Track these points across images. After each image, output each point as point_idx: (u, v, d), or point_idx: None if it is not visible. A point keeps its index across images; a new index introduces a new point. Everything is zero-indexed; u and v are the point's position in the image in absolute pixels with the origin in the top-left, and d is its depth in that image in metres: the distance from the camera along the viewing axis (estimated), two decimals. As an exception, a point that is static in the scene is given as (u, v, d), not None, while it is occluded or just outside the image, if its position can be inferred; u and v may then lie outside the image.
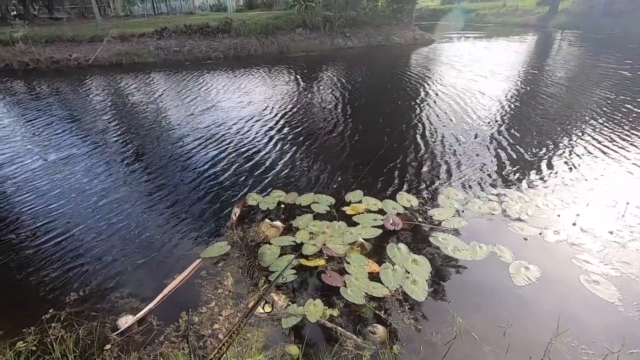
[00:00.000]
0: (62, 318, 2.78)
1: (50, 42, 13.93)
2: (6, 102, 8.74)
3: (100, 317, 2.81)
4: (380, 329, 2.65)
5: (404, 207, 4.26)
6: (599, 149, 5.87)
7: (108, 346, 2.56)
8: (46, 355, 2.44)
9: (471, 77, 10.95)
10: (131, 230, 3.92)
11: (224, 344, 1.38)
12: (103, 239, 3.76)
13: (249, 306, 2.64)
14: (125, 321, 2.71)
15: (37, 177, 5.08)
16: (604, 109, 7.87)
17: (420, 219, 4.05)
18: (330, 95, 9.27)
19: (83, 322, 2.75)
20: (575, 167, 5.26)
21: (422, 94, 9.32)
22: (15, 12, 22.28)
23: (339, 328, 2.68)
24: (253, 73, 11.78)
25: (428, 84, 10.29)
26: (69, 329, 2.69)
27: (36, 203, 4.44)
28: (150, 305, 2.86)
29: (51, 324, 2.72)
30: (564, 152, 5.78)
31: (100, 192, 4.67)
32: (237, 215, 4.07)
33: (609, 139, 6.24)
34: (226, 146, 6.13)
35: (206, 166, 5.42)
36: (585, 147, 5.93)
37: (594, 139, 6.27)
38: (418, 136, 6.49)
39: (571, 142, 6.18)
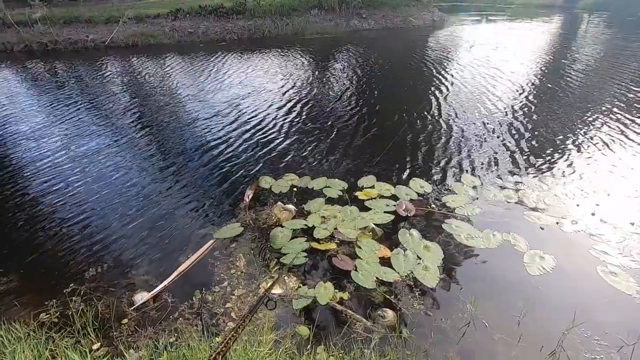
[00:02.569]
0: (82, 292, 2.88)
1: (67, 23, 13.99)
2: (31, 85, 8.90)
3: (117, 293, 2.90)
4: (389, 313, 2.67)
5: (417, 193, 4.21)
6: (624, 136, 5.65)
7: (125, 320, 2.65)
8: (67, 327, 2.54)
9: (489, 63, 10.57)
10: (147, 210, 4.00)
11: (238, 328, 1.37)
12: (119, 219, 3.86)
13: (261, 292, 2.67)
14: (141, 297, 2.80)
15: (60, 160, 5.18)
16: (632, 94, 7.52)
17: (433, 206, 4.00)
18: (347, 80, 9.11)
19: (102, 297, 2.85)
20: (598, 155, 5.08)
21: (439, 79, 9.07)
22: (33, -7, 22.41)
23: (349, 311, 2.71)
24: (267, 56, 11.64)
25: (445, 69, 9.99)
26: (88, 303, 2.79)
27: (59, 185, 4.55)
28: (165, 282, 2.93)
29: (72, 297, 2.82)
30: (587, 139, 5.58)
31: (117, 175, 4.75)
32: (250, 197, 4.10)
33: (636, 126, 5.98)
34: (239, 130, 6.12)
35: (220, 149, 5.44)
36: (610, 135, 5.70)
37: (620, 125, 6.02)
38: (434, 122, 6.34)
39: (596, 128, 5.95)
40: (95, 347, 2.43)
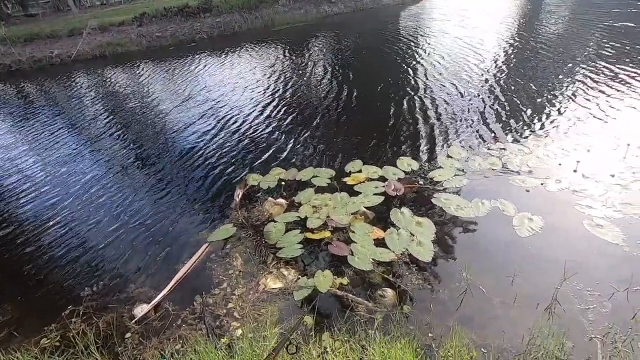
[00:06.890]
0: (80, 313, 2.85)
1: (29, 41, 13.52)
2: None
3: (117, 308, 2.88)
4: (389, 292, 2.71)
5: (404, 171, 4.24)
6: (599, 91, 5.77)
7: (128, 334, 2.64)
8: (70, 349, 2.52)
9: (464, 33, 10.60)
10: (137, 222, 3.95)
11: None
12: (109, 234, 3.80)
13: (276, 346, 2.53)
14: (141, 309, 2.78)
15: (41, 181, 5.06)
16: (603, 50, 7.65)
17: (421, 182, 4.04)
18: (322, 68, 9.04)
19: (101, 315, 2.82)
20: (575, 113, 5.18)
21: (413, 55, 9.06)
22: (-12, 13, 21.44)
23: (350, 295, 2.75)
24: (239, 52, 11.45)
25: (418, 44, 9.98)
26: (88, 322, 2.76)
27: (43, 206, 4.46)
28: (164, 292, 2.92)
29: (71, 319, 2.79)
30: (564, 98, 5.68)
31: (103, 189, 4.67)
32: (239, 196, 4.08)
33: (607, 81, 6.11)
34: (221, 130, 6.05)
35: (204, 152, 5.37)
36: (584, 91, 5.82)
37: (592, 82, 6.14)
38: (415, 99, 6.36)
39: (571, 86, 6.06)
40: (101, 364, 2.42)
